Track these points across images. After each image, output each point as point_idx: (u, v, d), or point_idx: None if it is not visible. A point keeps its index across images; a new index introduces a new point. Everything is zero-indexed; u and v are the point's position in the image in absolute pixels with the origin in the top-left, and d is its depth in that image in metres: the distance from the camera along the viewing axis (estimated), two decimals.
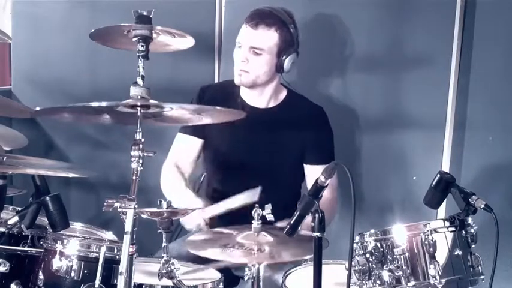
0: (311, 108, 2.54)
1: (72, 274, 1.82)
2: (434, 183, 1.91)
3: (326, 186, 1.73)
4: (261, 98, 2.50)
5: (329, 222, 2.33)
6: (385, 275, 1.79)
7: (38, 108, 1.74)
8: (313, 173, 2.46)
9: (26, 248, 1.95)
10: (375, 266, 1.81)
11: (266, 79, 2.44)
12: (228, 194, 2.30)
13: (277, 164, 2.49)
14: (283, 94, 2.55)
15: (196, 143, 2.53)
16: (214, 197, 2.49)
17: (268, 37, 2.37)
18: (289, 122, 2.48)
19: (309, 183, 2.45)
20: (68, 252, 1.84)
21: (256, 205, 1.95)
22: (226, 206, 2.28)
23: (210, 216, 2.29)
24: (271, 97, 2.51)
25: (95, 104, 1.64)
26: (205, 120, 1.91)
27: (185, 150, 2.54)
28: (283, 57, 2.41)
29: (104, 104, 1.65)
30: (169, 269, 1.74)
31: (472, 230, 1.84)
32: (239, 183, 2.29)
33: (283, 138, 2.48)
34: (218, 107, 1.85)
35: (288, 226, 1.77)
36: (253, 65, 2.39)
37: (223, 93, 2.53)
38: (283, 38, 2.40)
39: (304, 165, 2.52)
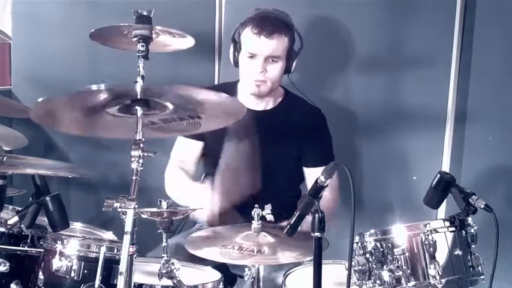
0: (309, 109, 2.54)
1: (72, 274, 1.82)
2: (434, 183, 1.91)
3: (326, 186, 1.74)
4: (261, 101, 2.50)
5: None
6: (385, 275, 1.79)
7: (40, 99, 1.70)
8: (312, 175, 2.45)
9: (26, 248, 1.95)
10: (375, 266, 1.81)
11: (278, 84, 2.45)
12: (227, 193, 2.29)
13: (276, 165, 2.48)
14: (282, 96, 2.55)
15: (197, 145, 2.54)
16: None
17: (283, 44, 2.36)
18: (287, 124, 2.48)
19: (309, 185, 2.44)
20: (68, 252, 1.84)
21: (256, 205, 1.95)
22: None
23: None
24: (270, 99, 2.51)
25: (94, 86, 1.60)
26: (203, 127, 1.86)
27: (186, 153, 2.54)
28: (293, 60, 2.42)
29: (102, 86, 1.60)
30: (169, 269, 1.74)
31: (472, 230, 1.84)
32: (238, 185, 2.29)
33: (281, 140, 2.48)
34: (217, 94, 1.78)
35: (288, 226, 1.77)
36: (271, 73, 2.38)
37: None
38: (291, 41, 2.40)
39: (304, 168, 2.52)
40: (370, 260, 1.81)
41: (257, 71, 2.36)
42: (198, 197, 2.25)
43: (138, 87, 1.58)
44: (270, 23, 2.35)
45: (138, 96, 1.59)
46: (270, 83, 2.40)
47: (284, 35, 2.36)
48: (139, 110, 1.65)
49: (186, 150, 2.54)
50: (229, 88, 2.54)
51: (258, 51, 2.35)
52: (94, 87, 1.55)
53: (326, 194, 2.28)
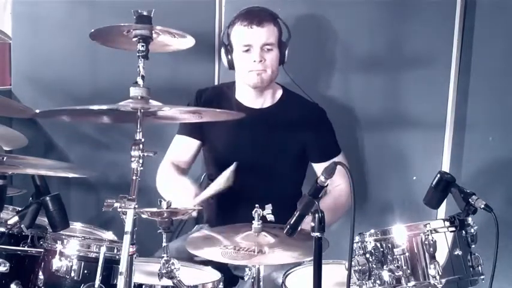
0: (307, 105, 2.55)
1: (72, 274, 1.82)
2: (434, 183, 1.91)
3: (326, 186, 1.73)
4: (259, 99, 2.51)
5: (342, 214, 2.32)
6: (385, 275, 1.79)
7: (37, 111, 1.74)
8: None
9: (26, 248, 1.95)
10: (375, 266, 1.81)
11: (277, 73, 2.47)
12: (227, 193, 2.29)
13: (277, 163, 2.49)
14: (279, 93, 2.56)
15: (193, 144, 2.54)
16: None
17: (273, 32, 2.42)
18: (286, 121, 2.49)
19: None
20: (68, 252, 1.84)
21: (257, 205, 1.95)
22: (210, 191, 2.28)
23: (199, 201, 2.27)
24: (268, 97, 2.52)
25: (95, 107, 1.65)
26: (205, 118, 1.92)
27: (182, 151, 2.55)
28: (284, 50, 2.46)
29: (104, 107, 1.65)
30: (169, 269, 1.75)
31: (472, 230, 1.84)
32: (238, 183, 2.29)
33: (281, 138, 2.48)
34: (218, 109, 1.86)
35: (288, 226, 1.77)
36: (269, 62, 2.42)
37: (219, 96, 2.56)
38: (280, 31, 2.46)
39: (313, 164, 2.54)
40: (370, 260, 1.81)
41: (256, 61, 2.39)
42: (180, 190, 2.31)
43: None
44: (257, 14, 2.41)
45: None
46: (270, 71, 2.43)
47: (273, 25, 2.42)
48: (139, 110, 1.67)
49: (182, 148, 2.55)
50: (228, 88, 2.55)
51: (252, 41, 2.39)
52: (95, 108, 1.60)
53: (340, 183, 2.31)
